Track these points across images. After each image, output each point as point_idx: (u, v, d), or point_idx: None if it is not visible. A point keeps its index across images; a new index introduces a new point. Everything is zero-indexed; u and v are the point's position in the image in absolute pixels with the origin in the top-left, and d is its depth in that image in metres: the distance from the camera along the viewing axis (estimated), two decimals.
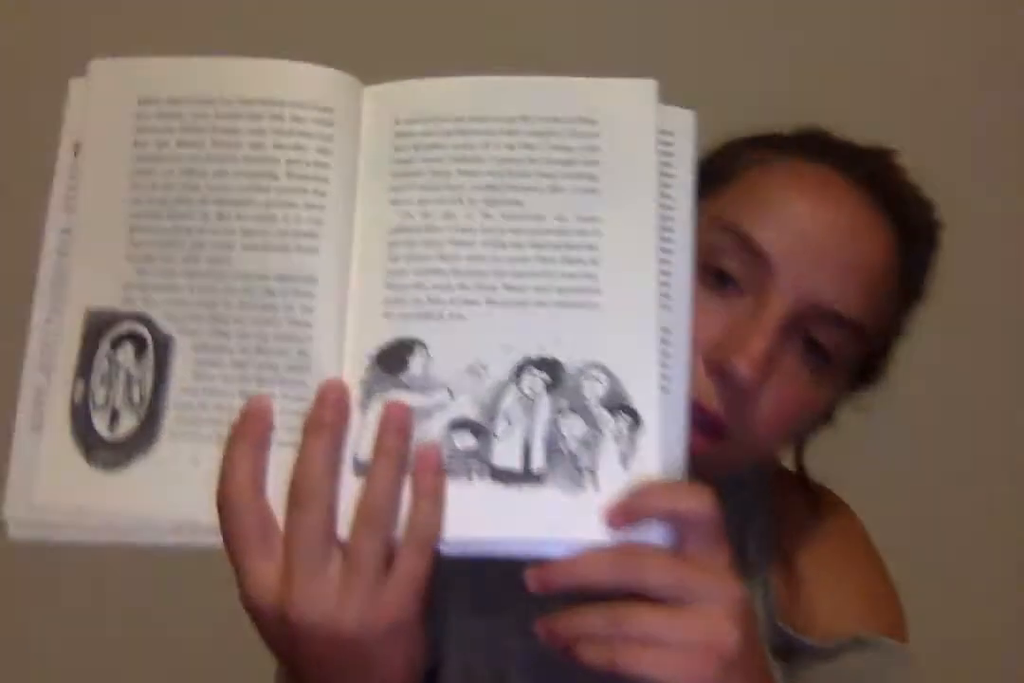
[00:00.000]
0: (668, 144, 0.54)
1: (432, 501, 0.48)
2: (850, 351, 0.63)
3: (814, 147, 0.67)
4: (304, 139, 0.52)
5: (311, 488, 0.47)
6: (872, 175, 0.64)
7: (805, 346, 0.62)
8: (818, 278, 0.61)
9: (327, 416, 0.49)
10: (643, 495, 0.49)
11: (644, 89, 0.54)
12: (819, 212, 0.62)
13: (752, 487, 0.70)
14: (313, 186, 0.51)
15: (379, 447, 0.49)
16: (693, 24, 1.19)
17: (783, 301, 0.60)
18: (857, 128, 0.68)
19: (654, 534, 0.49)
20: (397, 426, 0.49)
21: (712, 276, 0.62)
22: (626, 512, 0.49)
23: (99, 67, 0.55)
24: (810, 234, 0.61)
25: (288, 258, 0.51)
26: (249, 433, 0.49)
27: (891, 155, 0.69)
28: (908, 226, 0.65)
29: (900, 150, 0.69)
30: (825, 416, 0.68)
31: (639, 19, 1.18)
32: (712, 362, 0.59)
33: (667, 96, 0.55)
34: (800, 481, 0.72)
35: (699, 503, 0.48)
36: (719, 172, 0.65)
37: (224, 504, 0.48)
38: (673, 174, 0.54)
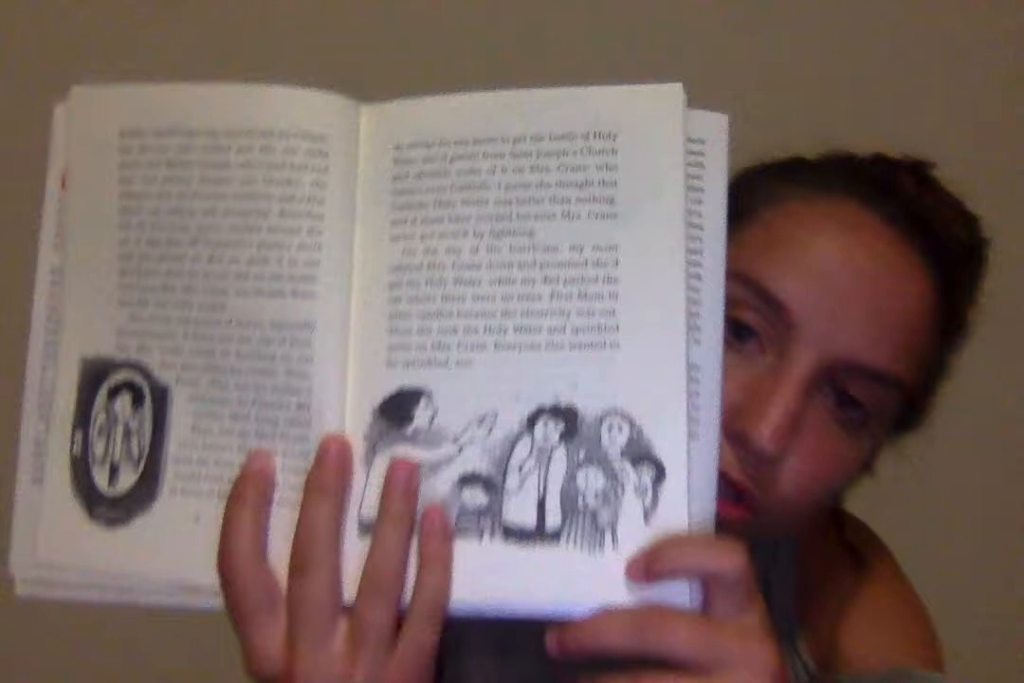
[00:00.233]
0: (698, 153, 0.48)
1: (439, 568, 0.46)
2: (888, 403, 0.57)
3: (838, 179, 0.59)
4: (297, 172, 0.48)
5: (314, 555, 0.45)
6: (905, 207, 0.57)
7: (837, 400, 0.56)
8: (847, 331, 0.55)
9: (328, 477, 0.46)
10: (666, 550, 0.45)
11: (669, 95, 0.48)
12: (845, 257, 0.56)
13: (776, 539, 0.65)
14: (307, 224, 0.48)
15: (384, 511, 0.46)
16: (709, 32, 1.09)
17: (807, 358, 0.54)
18: (889, 135, 0.61)
19: (678, 593, 0.45)
20: (403, 489, 0.46)
21: (728, 329, 0.54)
22: (648, 568, 0.45)
23: (79, 95, 0.52)
24: (836, 283, 0.55)
25: (283, 304, 0.48)
26: (250, 494, 0.47)
27: (925, 170, 0.62)
28: (948, 259, 0.58)
29: (935, 160, 0.62)
30: (864, 468, 0.62)
31: (651, 29, 1.08)
32: (731, 430, 0.53)
33: (693, 100, 0.49)
34: (836, 528, 0.67)
35: (729, 561, 0.44)
36: (730, 212, 0.59)
37: (225, 571, 0.46)
38: (703, 188, 0.48)
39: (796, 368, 0.54)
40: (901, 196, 0.58)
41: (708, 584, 0.45)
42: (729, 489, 0.53)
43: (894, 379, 0.56)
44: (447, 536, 0.46)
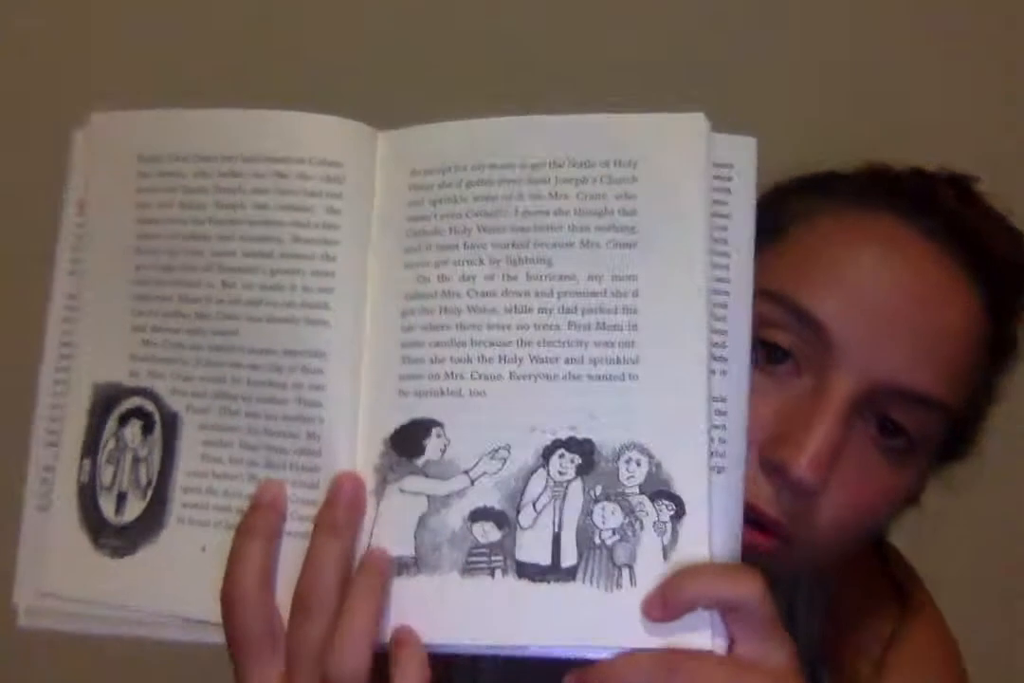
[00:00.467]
0: (725, 179, 0.47)
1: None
2: (934, 428, 0.54)
3: (875, 193, 0.57)
4: (311, 199, 0.48)
5: (318, 597, 0.44)
6: (946, 221, 0.55)
7: (879, 426, 0.52)
8: (889, 352, 0.51)
9: (339, 517, 0.45)
10: (680, 583, 0.44)
11: (691, 124, 0.47)
12: (884, 272, 0.53)
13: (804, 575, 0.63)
14: (321, 251, 0.47)
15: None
16: (734, 51, 1.06)
17: (848, 382, 0.51)
18: (922, 153, 0.59)
19: (700, 634, 0.44)
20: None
21: (762, 351, 0.53)
22: (665, 604, 0.44)
23: (98, 121, 0.52)
24: (876, 300, 0.52)
25: (296, 331, 0.47)
26: (260, 525, 0.46)
27: (966, 184, 0.59)
28: (995, 275, 0.55)
29: (977, 174, 0.59)
30: (909, 500, 0.59)
31: (674, 50, 1.06)
32: (767, 460, 0.51)
33: (720, 123, 0.48)
34: (880, 561, 0.64)
35: (746, 588, 0.43)
36: (761, 229, 0.56)
37: (229, 602, 0.45)
38: (729, 214, 0.47)
39: (836, 392, 0.51)
40: (941, 209, 0.55)
41: (728, 616, 0.44)
42: (766, 527, 0.51)
43: (939, 403, 0.53)
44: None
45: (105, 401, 0.50)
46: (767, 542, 0.51)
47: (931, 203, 0.56)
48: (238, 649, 0.45)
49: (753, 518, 0.49)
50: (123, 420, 0.50)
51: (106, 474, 0.50)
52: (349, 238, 0.48)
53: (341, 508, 0.45)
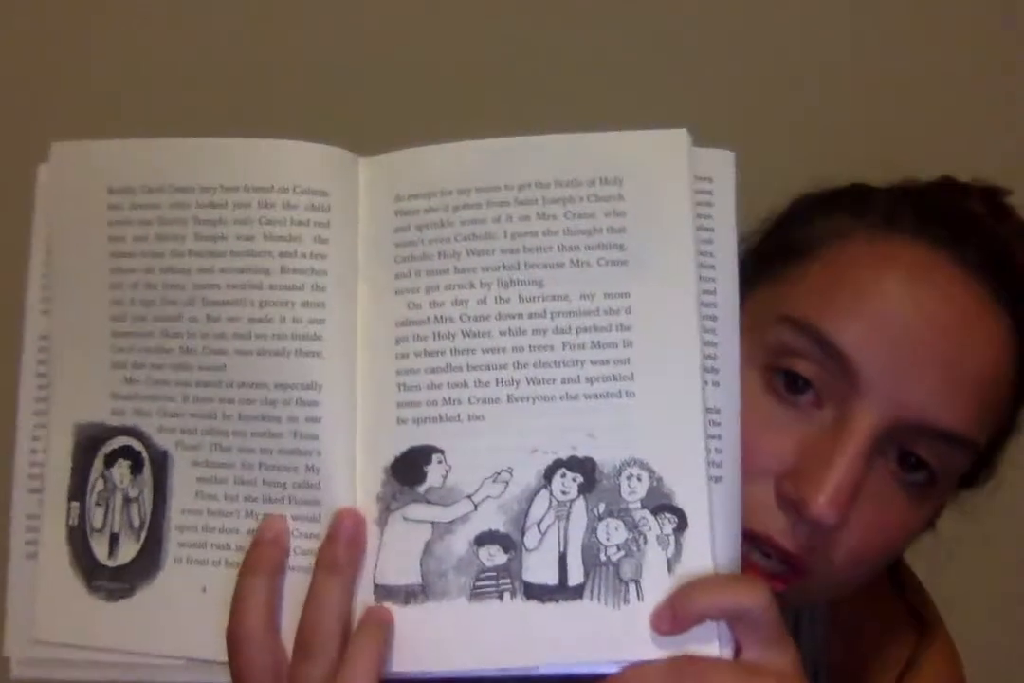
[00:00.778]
0: (706, 192, 0.48)
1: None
2: (957, 464, 0.52)
3: (905, 215, 0.54)
4: (297, 228, 0.47)
5: (320, 638, 0.44)
6: (979, 246, 0.52)
7: (901, 461, 0.51)
8: (917, 387, 0.49)
9: (340, 554, 0.45)
10: (687, 595, 0.45)
11: (674, 140, 0.48)
12: (915, 304, 0.51)
13: None
14: (311, 281, 0.47)
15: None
16: (718, 62, 1.06)
17: (871, 417, 0.49)
18: (930, 154, 0.58)
19: (707, 644, 0.45)
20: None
21: (783, 381, 0.51)
22: (674, 617, 0.44)
23: (60, 151, 0.50)
24: (904, 332, 0.50)
25: (287, 363, 0.47)
26: (263, 564, 0.45)
27: (998, 197, 0.57)
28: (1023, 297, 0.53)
29: (1009, 187, 0.57)
30: (925, 528, 0.58)
31: (656, 66, 1.05)
32: (785, 495, 0.50)
33: (702, 136, 0.48)
34: (897, 587, 0.64)
35: (751, 598, 0.44)
36: (788, 245, 0.54)
37: (234, 640, 0.45)
38: (712, 227, 0.48)
39: (858, 427, 0.49)
40: (975, 233, 0.53)
41: (734, 625, 0.44)
42: (782, 564, 0.51)
43: (966, 439, 0.51)
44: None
45: (88, 441, 0.49)
46: (777, 586, 0.49)
47: (964, 227, 0.54)
48: None
49: (773, 556, 0.50)
50: (109, 460, 0.49)
51: (96, 516, 0.49)
52: (338, 267, 0.48)
53: (341, 545, 0.45)
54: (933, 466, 0.51)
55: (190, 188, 0.48)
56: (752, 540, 0.49)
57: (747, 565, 0.49)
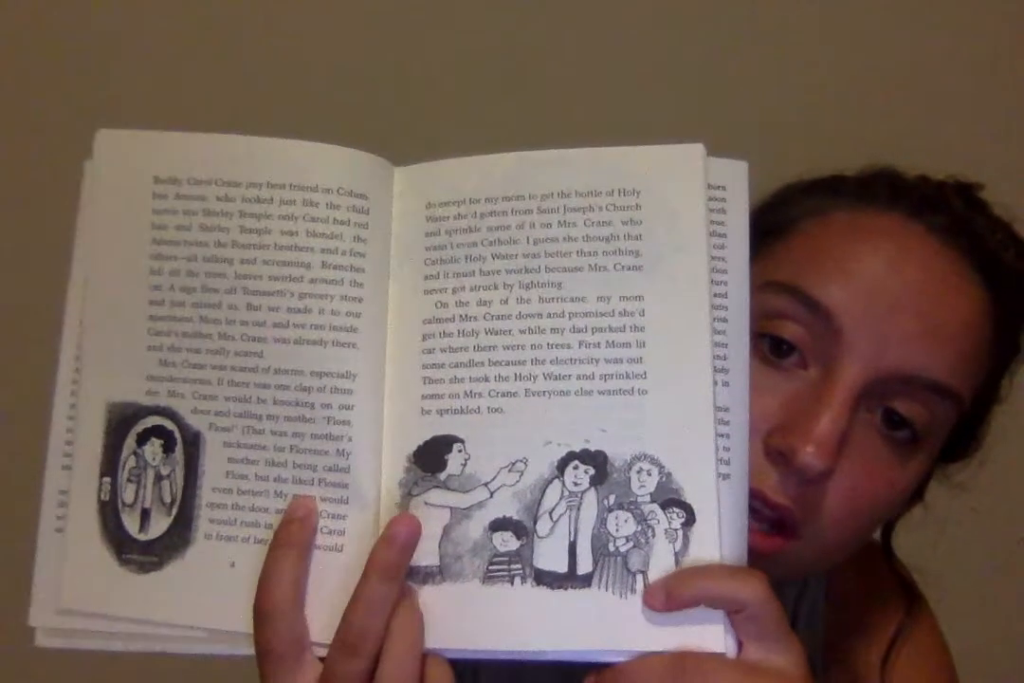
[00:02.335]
0: (719, 200, 0.52)
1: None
2: (941, 422, 0.56)
3: (881, 192, 0.59)
4: (340, 227, 0.51)
5: (366, 639, 0.47)
6: (952, 220, 0.57)
7: (885, 419, 0.54)
8: (898, 340, 0.53)
9: (394, 560, 0.47)
10: (685, 578, 0.47)
11: (690, 154, 0.52)
12: (893, 266, 0.55)
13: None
14: (350, 277, 0.51)
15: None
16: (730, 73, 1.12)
17: (856, 369, 0.53)
18: (933, 160, 0.62)
19: (712, 637, 0.47)
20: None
21: (769, 345, 0.55)
22: (668, 596, 0.47)
23: (108, 139, 0.54)
24: (884, 290, 0.54)
25: (324, 353, 0.51)
26: (293, 541, 0.49)
27: (972, 191, 0.62)
28: (998, 274, 0.57)
29: (983, 183, 0.62)
30: (914, 495, 0.61)
31: (674, 80, 1.11)
32: (773, 448, 0.53)
33: (716, 142, 0.52)
34: (887, 559, 0.68)
35: (750, 589, 0.46)
36: (771, 226, 0.58)
37: (262, 617, 0.48)
38: (724, 233, 0.51)
39: (843, 380, 0.53)
40: (948, 210, 0.58)
41: (734, 619, 0.47)
42: (767, 515, 0.53)
43: (947, 389, 0.55)
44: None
45: (121, 420, 0.53)
46: (771, 544, 0.53)
47: (937, 203, 0.58)
48: (267, 659, 0.48)
49: (765, 513, 0.53)
50: (142, 438, 0.52)
51: (128, 492, 0.52)
52: (374, 265, 0.52)
53: (396, 551, 0.48)
54: (917, 424, 0.55)
55: (237, 183, 0.52)
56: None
57: None
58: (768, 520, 0.54)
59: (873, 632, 0.67)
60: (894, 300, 0.54)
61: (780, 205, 0.61)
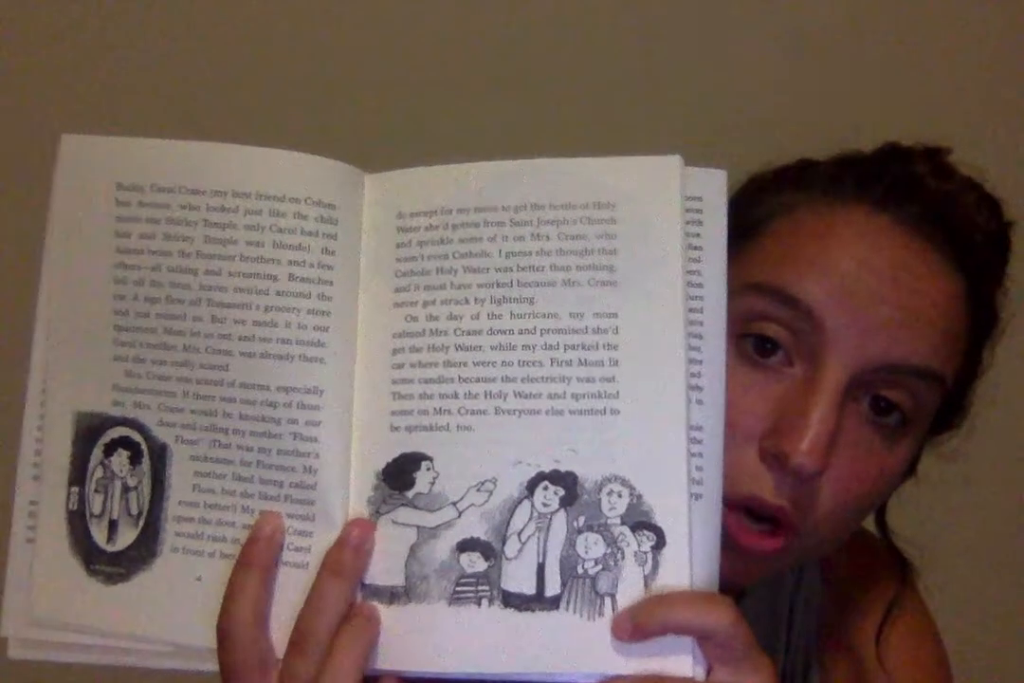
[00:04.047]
0: (696, 211, 0.51)
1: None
2: (927, 404, 0.58)
3: (846, 183, 0.60)
4: (307, 238, 0.51)
5: (315, 636, 0.48)
6: (919, 205, 0.58)
7: (873, 407, 0.56)
8: (877, 332, 0.55)
9: (347, 560, 0.49)
10: (651, 607, 0.48)
11: (667, 167, 0.51)
12: (864, 260, 0.57)
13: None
14: (317, 290, 0.51)
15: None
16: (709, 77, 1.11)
17: (840, 366, 0.55)
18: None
19: (680, 661, 0.48)
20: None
21: (752, 345, 0.56)
22: (635, 627, 0.48)
23: (72, 144, 0.54)
24: (860, 284, 0.56)
25: (290, 367, 0.51)
26: (258, 559, 0.50)
27: (939, 157, 0.62)
28: (972, 249, 0.59)
29: (951, 146, 0.62)
30: (907, 473, 0.63)
31: (650, 90, 1.09)
32: (767, 451, 0.54)
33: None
34: (881, 531, 0.69)
35: (716, 617, 0.47)
36: (741, 226, 0.58)
37: (226, 636, 0.49)
38: (700, 246, 0.51)
39: (829, 377, 0.54)
40: (913, 193, 0.59)
41: (702, 644, 0.47)
42: (766, 517, 0.54)
43: (931, 372, 0.56)
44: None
45: (88, 430, 0.54)
46: (772, 544, 0.54)
47: (901, 188, 0.59)
48: (230, 673, 0.49)
49: (763, 515, 0.54)
50: (109, 449, 0.53)
51: (95, 502, 0.53)
52: (342, 278, 0.52)
53: (349, 551, 0.49)
54: (904, 408, 0.57)
55: (201, 191, 0.52)
56: (742, 503, 0.54)
57: (740, 530, 0.54)
58: (767, 521, 0.55)
59: (868, 608, 0.68)
60: (870, 293, 0.56)
61: (748, 205, 0.61)
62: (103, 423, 0.53)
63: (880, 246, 0.57)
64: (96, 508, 0.53)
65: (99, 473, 0.53)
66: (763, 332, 0.56)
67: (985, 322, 0.62)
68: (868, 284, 0.56)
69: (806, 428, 0.53)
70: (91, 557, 0.53)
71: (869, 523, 0.67)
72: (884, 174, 0.60)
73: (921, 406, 0.57)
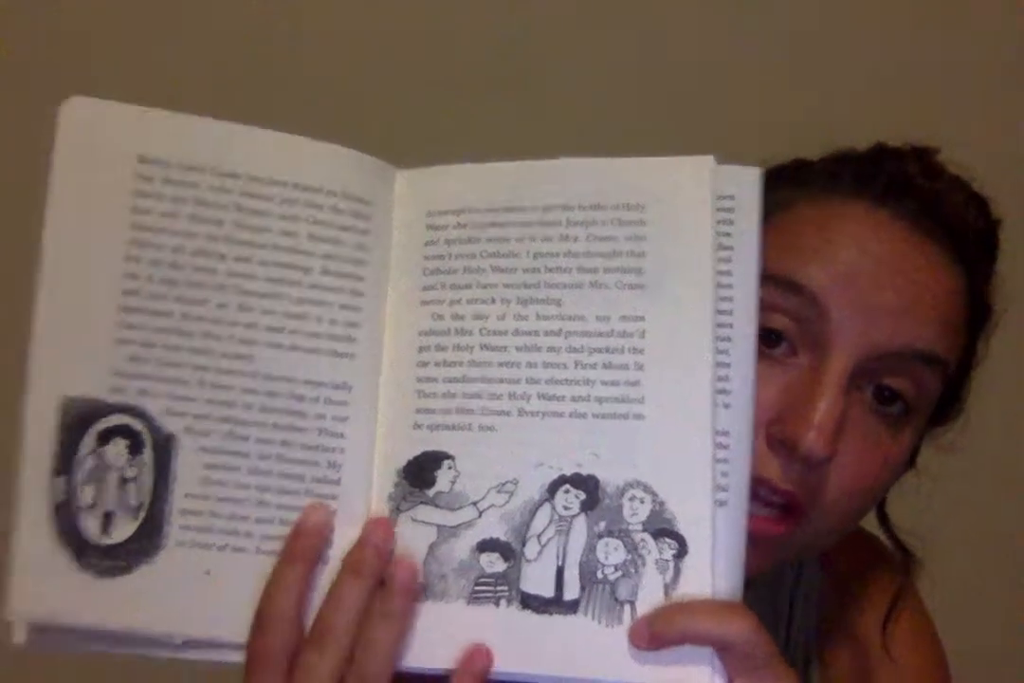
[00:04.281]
0: (728, 210, 0.50)
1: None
2: (930, 391, 0.59)
3: (843, 179, 0.62)
4: (342, 233, 0.51)
5: (335, 634, 0.48)
6: (915, 201, 0.60)
7: (876, 396, 0.58)
8: (883, 318, 0.56)
9: (368, 560, 0.49)
10: (669, 616, 0.48)
11: (699, 167, 0.51)
12: (866, 250, 0.58)
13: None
14: (350, 285, 0.51)
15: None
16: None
17: (845, 353, 0.56)
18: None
19: (699, 672, 0.48)
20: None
21: (758, 337, 0.55)
22: (652, 636, 0.48)
23: (82, 108, 0.51)
24: (862, 272, 0.57)
25: (320, 362, 0.50)
26: (306, 554, 0.49)
27: (929, 156, 0.64)
28: (965, 245, 0.61)
29: (940, 146, 0.65)
30: (908, 463, 0.65)
31: (682, 90, 1.13)
32: (775, 437, 0.55)
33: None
34: (883, 523, 0.71)
35: (736, 627, 0.46)
36: None
37: (267, 623, 0.48)
38: (731, 246, 0.50)
39: (834, 365, 0.56)
40: (909, 190, 0.61)
41: (722, 654, 0.47)
42: (775, 501, 0.56)
43: (936, 358, 0.58)
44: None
45: (78, 417, 0.50)
46: (780, 529, 0.55)
47: (898, 185, 0.61)
48: (258, 663, 0.48)
49: (773, 500, 0.55)
50: (104, 438, 0.50)
51: (85, 493, 0.50)
52: (373, 274, 0.52)
53: (370, 551, 0.49)
54: (907, 396, 0.59)
55: (236, 174, 0.51)
56: (751, 488, 0.54)
57: (748, 516, 0.53)
58: (776, 506, 0.56)
59: (870, 600, 0.71)
60: (872, 280, 0.57)
61: None
62: (97, 410, 0.50)
63: (880, 238, 0.59)
64: (87, 499, 0.50)
65: (90, 463, 0.50)
66: (768, 323, 0.56)
67: (981, 316, 0.64)
68: (870, 272, 0.57)
69: (814, 414, 0.54)
70: (82, 550, 0.49)
71: (868, 522, 0.70)
72: (880, 171, 0.62)
73: (924, 394, 0.59)
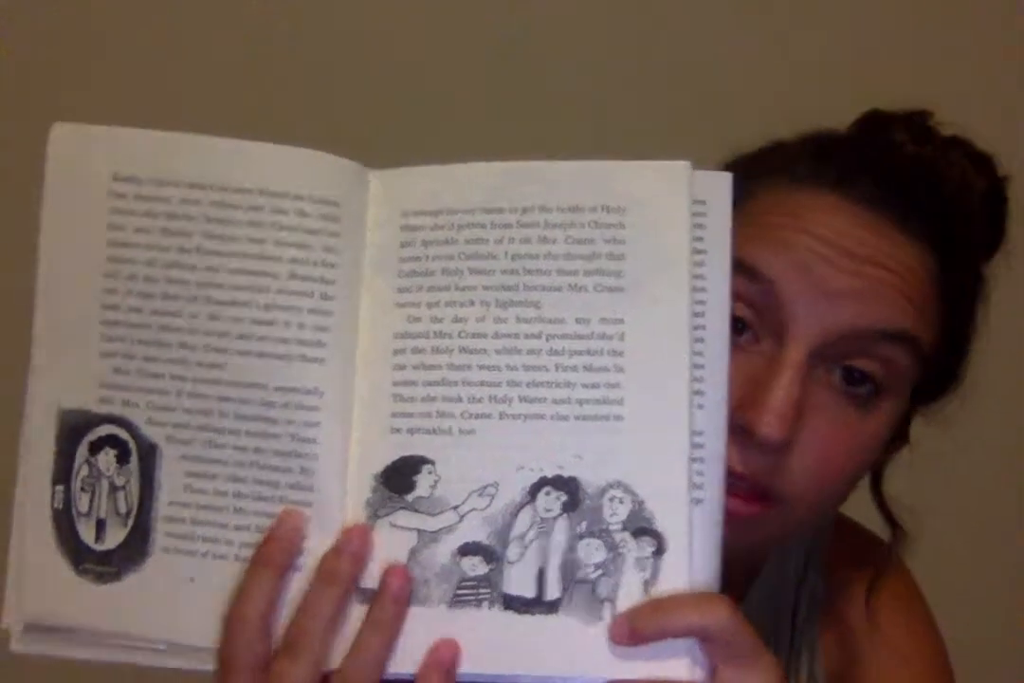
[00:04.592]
0: (700, 215, 0.51)
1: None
2: (901, 369, 0.59)
3: (805, 163, 0.62)
4: (309, 237, 0.51)
5: (308, 640, 0.48)
6: (875, 186, 0.59)
7: (845, 377, 0.58)
8: (840, 301, 0.57)
9: (343, 567, 0.49)
10: (648, 611, 0.48)
11: (676, 172, 0.51)
12: (821, 236, 0.58)
13: (809, 538, 0.70)
14: (319, 289, 0.50)
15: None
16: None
17: (802, 340, 0.57)
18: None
19: (680, 664, 0.48)
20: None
21: None
22: (632, 632, 0.48)
23: (63, 133, 0.53)
24: (817, 257, 0.57)
25: (290, 367, 0.50)
26: (275, 559, 0.49)
27: (923, 121, 0.63)
28: (938, 217, 0.60)
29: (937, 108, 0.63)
30: (897, 438, 0.64)
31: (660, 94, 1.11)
32: (734, 424, 0.54)
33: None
34: (877, 497, 0.70)
35: (715, 616, 0.47)
36: None
37: (234, 629, 0.49)
38: (705, 250, 0.51)
39: (791, 350, 0.56)
40: (865, 172, 0.60)
41: (704, 644, 0.48)
42: (740, 486, 0.56)
43: (902, 334, 0.58)
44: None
45: (73, 427, 0.53)
46: (750, 510, 0.56)
47: (852, 168, 0.60)
48: (228, 671, 0.49)
49: (733, 484, 0.54)
50: (95, 447, 0.52)
51: (82, 501, 0.52)
52: (345, 277, 0.51)
53: (345, 558, 0.49)
54: (876, 376, 0.58)
55: (203, 185, 0.51)
56: None
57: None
58: (742, 490, 0.56)
59: (855, 577, 0.70)
60: (828, 265, 0.57)
61: None
62: (89, 420, 0.52)
63: (837, 223, 0.59)
64: (83, 507, 0.52)
65: (85, 471, 0.52)
66: (732, 312, 0.55)
67: (964, 289, 0.62)
68: (825, 255, 0.57)
69: (768, 400, 0.55)
70: (79, 556, 0.52)
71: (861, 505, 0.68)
72: (836, 155, 0.62)
73: (894, 372, 0.59)
